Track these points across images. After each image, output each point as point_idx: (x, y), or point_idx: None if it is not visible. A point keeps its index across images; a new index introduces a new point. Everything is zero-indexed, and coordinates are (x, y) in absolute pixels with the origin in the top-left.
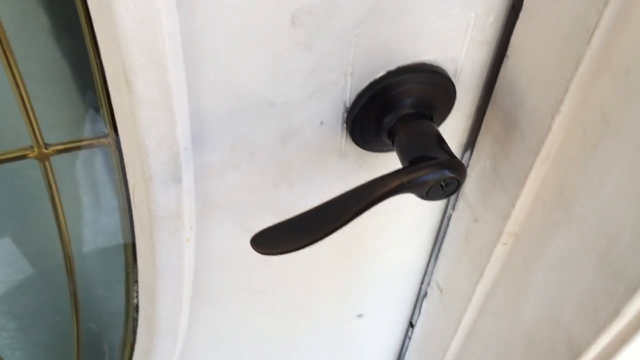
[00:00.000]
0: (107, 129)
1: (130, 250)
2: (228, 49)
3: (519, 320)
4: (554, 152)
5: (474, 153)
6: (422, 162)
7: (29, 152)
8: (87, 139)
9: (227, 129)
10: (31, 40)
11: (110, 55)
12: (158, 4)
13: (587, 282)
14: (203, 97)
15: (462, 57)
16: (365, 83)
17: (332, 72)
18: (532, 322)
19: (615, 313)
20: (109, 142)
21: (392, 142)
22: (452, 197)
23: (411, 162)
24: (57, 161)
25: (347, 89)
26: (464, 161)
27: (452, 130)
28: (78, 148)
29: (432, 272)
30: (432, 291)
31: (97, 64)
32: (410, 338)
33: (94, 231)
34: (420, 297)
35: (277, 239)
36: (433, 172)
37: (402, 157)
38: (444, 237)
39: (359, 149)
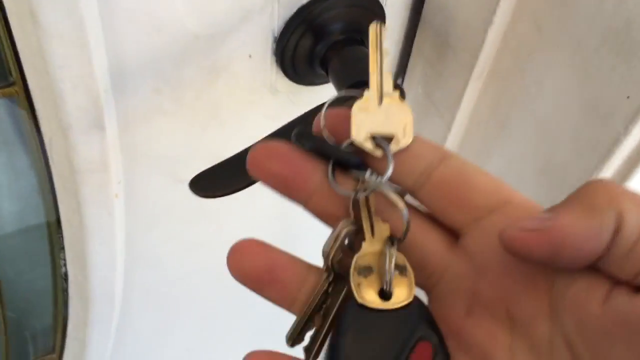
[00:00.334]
0: (13, 76)
1: (52, 214)
2: None
3: None
4: (488, 67)
5: (406, 80)
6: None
7: None
8: None
9: (149, 68)
10: None
11: None
12: None
13: (528, 193)
14: (121, 31)
15: None
16: (293, 10)
17: None
18: None
19: None
20: (16, 92)
21: (326, 71)
22: None
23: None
24: None
25: (275, 17)
26: None
27: None
28: None
29: None
30: None
31: None
32: None
33: (8, 197)
34: None
35: (216, 181)
36: None
37: (338, 85)
38: None
39: (291, 84)
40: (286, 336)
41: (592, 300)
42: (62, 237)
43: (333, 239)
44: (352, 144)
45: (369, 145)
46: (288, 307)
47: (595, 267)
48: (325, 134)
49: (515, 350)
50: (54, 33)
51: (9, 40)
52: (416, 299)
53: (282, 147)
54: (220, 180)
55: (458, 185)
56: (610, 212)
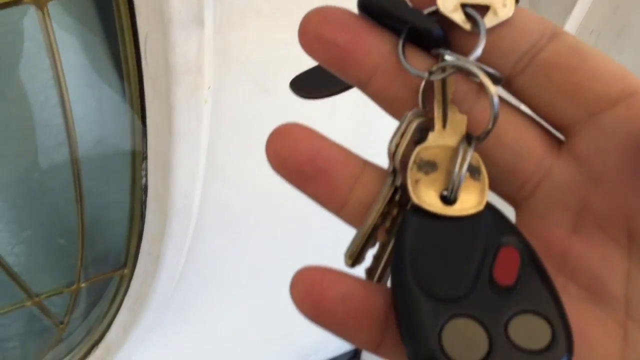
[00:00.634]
0: None
1: (138, 119)
2: None
3: None
4: None
5: None
6: None
7: None
8: None
9: None
10: None
11: None
12: None
13: None
14: None
15: None
16: None
17: None
18: None
19: None
20: None
21: None
22: None
23: None
24: (56, 5)
25: None
26: None
27: None
28: None
29: None
30: None
31: None
32: None
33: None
34: None
35: (317, 83)
36: None
37: None
38: None
39: None
40: (344, 254)
41: None
42: (145, 145)
43: (401, 132)
44: (435, 13)
45: (458, 17)
46: (336, 210)
47: None
48: None
49: (635, 277)
50: None
51: None
52: (490, 208)
53: (341, 11)
54: (320, 82)
55: (572, 69)
56: None
